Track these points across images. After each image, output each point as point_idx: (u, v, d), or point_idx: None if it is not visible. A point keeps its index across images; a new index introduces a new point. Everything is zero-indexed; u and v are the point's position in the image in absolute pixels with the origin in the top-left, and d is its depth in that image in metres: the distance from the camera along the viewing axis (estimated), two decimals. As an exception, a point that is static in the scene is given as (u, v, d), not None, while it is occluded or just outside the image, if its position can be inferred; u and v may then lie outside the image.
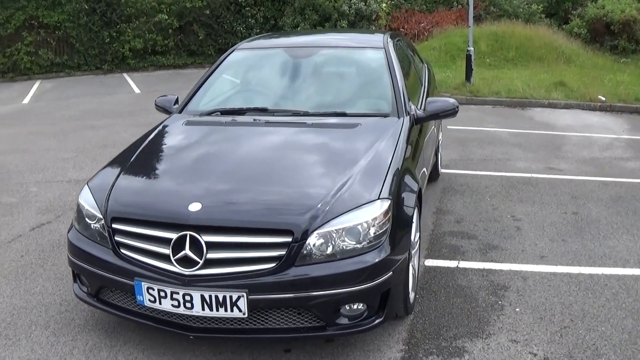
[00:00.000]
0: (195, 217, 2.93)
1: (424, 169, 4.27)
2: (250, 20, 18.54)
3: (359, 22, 17.23)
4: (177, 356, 3.21)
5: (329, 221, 2.90)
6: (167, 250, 2.93)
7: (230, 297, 2.83)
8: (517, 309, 3.62)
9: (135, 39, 17.49)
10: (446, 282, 3.99)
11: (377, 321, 3.01)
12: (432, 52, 14.86)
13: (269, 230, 2.88)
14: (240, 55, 4.84)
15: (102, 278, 3.16)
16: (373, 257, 2.91)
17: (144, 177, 3.43)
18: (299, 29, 17.24)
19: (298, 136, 3.73)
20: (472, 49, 11.68)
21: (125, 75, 16.90)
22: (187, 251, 2.89)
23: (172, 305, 2.92)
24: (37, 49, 16.70)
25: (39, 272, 4.28)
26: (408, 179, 3.42)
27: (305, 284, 2.84)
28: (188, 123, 4.11)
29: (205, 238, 2.88)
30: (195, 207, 2.97)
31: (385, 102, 4.13)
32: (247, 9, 18.55)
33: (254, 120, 3.98)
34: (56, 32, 16.99)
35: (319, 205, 2.95)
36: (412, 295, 3.53)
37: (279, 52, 4.76)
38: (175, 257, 2.90)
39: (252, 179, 3.25)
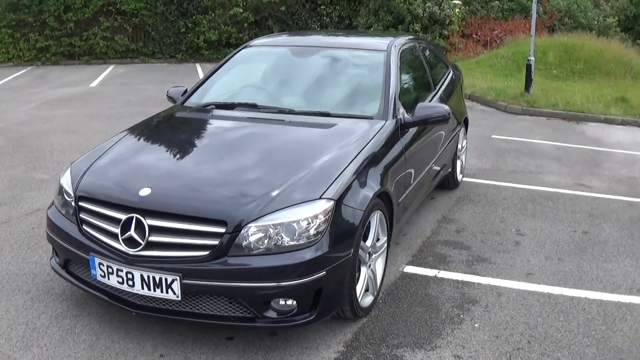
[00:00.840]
0: (142, 201, 3.09)
1: (411, 171, 4.21)
2: (325, 18, 18.72)
3: (432, 26, 17.05)
4: (128, 331, 3.38)
5: (265, 215, 2.97)
6: (117, 230, 3.11)
7: (166, 279, 2.96)
8: (476, 325, 3.53)
9: (211, 31, 18.11)
10: (416, 290, 3.94)
11: (307, 319, 3.04)
12: (499, 60, 14.49)
13: (205, 219, 2.99)
14: (250, 51, 4.97)
15: (67, 251, 3.39)
16: (306, 255, 2.95)
17: (116, 161, 3.61)
18: (372, 29, 17.27)
19: (269, 133, 3.80)
20: (532, 58, 11.30)
21: (197, 65, 17.53)
22: (131, 232, 3.05)
23: (118, 281, 3.10)
24: (113, 34, 17.66)
25: (42, 243, 4.58)
26: (368, 182, 3.41)
27: (236, 275, 2.93)
28: (179, 114, 4.29)
29: (149, 221, 3.04)
30: (145, 192, 3.13)
31: (372, 105, 4.14)
32: (323, 7, 18.75)
33: (238, 115, 4.11)
34: (133, 19, 17.88)
35: (258, 200, 3.02)
36: (367, 299, 3.54)
37: (284, 50, 4.86)
38: (122, 237, 3.08)
39: (206, 170, 3.38)
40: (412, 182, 4.28)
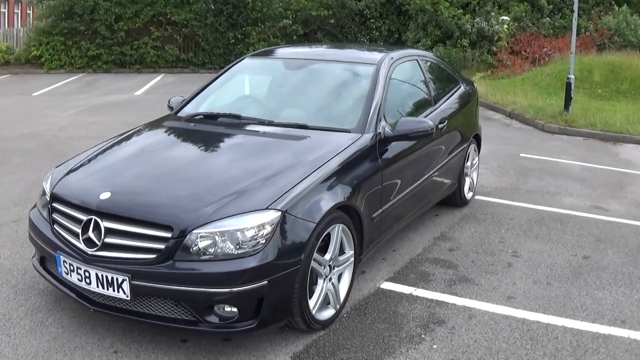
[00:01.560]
0: (100, 204, 3.24)
1: (393, 185, 4.20)
2: (374, 32, 18.74)
3: (480, 41, 16.83)
4: (93, 327, 3.51)
5: (211, 222, 3.05)
6: (79, 230, 3.26)
7: (117, 279, 3.09)
8: (435, 346, 3.47)
9: (260, 42, 18.39)
10: (385, 307, 3.90)
11: (248, 327, 3.09)
12: (545, 78, 14.17)
13: (153, 223, 3.09)
14: (248, 63, 5.09)
15: (42, 249, 3.58)
16: (248, 263, 3.01)
17: (91, 166, 3.79)
18: (419, 44, 17.21)
19: (239, 144, 3.91)
20: (572, 77, 11.01)
21: (246, 76, 17.86)
22: (89, 233, 3.20)
23: (77, 279, 3.25)
24: (163, 44, 18.11)
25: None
26: (327, 194, 3.43)
27: (179, 279, 3.01)
28: (166, 123, 4.45)
29: (105, 224, 3.17)
30: (105, 195, 3.28)
31: (352, 118, 4.16)
32: (372, 20, 18.77)
33: (217, 126, 4.22)
34: (183, 29, 18.27)
35: (206, 207, 3.11)
36: (327, 312, 3.55)
37: (278, 63, 4.96)
38: (82, 237, 3.23)
39: (165, 176, 3.50)
40: (392, 197, 4.25)
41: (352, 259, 3.74)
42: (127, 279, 3.06)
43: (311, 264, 3.31)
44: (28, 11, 23.53)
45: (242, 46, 18.45)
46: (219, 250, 3.02)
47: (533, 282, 4.41)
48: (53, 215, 3.50)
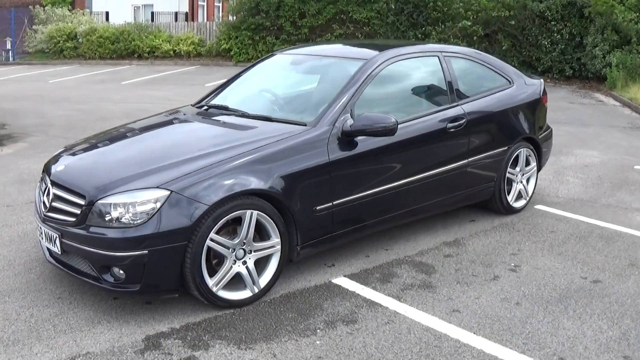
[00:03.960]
0: (52, 174, 3.71)
1: (364, 177, 4.03)
2: (555, 35, 16.92)
3: None
4: (61, 279, 3.92)
5: (111, 195, 3.31)
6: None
7: (53, 236, 3.52)
8: (318, 342, 3.24)
9: (440, 43, 17.85)
10: (312, 300, 3.72)
11: (132, 289, 3.31)
12: None
13: (77, 192, 3.45)
14: (273, 59, 5.15)
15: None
16: (130, 233, 3.22)
17: (81, 145, 4.26)
18: (597, 49, 15.19)
19: (194, 131, 4.10)
20: None
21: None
22: (44, 197, 3.68)
23: (39, 233, 3.76)
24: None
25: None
26: (234, 181, 3.43)
27: (84, 240, 3.34)
28: (172, 112, 4.76)
29: (53, 190, 3.63)
30: (60, 168, 3.75)
31: (312, 111, 4.04)
32: (553, 23, 16.91)
33: (200, 115, 4.42)
34: (364, 27, 18.22)
35: (113, 181, 3.40)
36: (240, 293, 3.57)
37: (287, 58, 4.96)
38: (42, 200, 3.73)
39: (113, 155, 3.87)
40: (356, 192, 3.99)
41: (279, 246, 3.66)
42: (58, 236, 3.47)
43: (210, 244, 3.36)
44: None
45: (422, 45, 18.01)
46: (122, 220, 3.27)
47: (501, 299, 3.81)
48: (42, 182, 4.06)
